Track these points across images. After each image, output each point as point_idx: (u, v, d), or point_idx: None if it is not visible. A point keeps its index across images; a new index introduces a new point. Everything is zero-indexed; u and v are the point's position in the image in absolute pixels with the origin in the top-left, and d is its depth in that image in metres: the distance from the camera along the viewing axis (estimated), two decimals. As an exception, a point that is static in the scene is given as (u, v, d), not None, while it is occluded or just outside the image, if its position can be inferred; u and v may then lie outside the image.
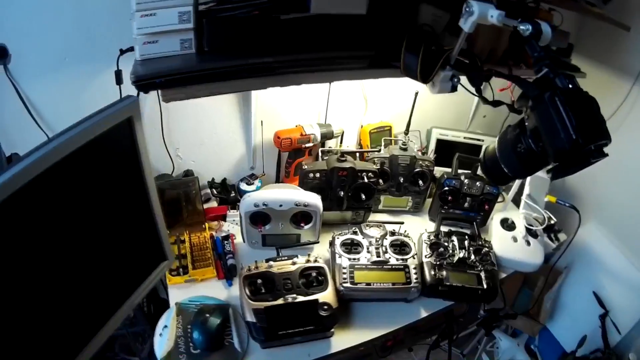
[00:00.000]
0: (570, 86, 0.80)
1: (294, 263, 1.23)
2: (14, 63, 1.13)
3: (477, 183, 1.55)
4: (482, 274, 1.35)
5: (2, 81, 1.13)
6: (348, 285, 1.23)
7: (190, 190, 1.37)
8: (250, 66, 0.89)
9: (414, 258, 1.33)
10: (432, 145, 1.78)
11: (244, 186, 1.52)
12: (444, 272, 1.33)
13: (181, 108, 1.34)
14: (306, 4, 0.89)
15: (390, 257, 1.31)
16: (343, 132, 1.64)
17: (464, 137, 1.77)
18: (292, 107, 1.54)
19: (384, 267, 1.29)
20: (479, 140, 1.78)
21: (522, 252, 1.48)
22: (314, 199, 1.32)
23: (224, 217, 1.47)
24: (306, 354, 1.16)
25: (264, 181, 1.60)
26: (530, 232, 1.51)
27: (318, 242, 1.39)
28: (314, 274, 1.22)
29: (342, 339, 1.20)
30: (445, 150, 1.76)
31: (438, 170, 1.72)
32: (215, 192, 1.50)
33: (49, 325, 0.78)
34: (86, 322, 0.88)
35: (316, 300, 1.16)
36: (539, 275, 1.97)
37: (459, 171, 1.58)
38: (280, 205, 1.29)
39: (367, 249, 1.33)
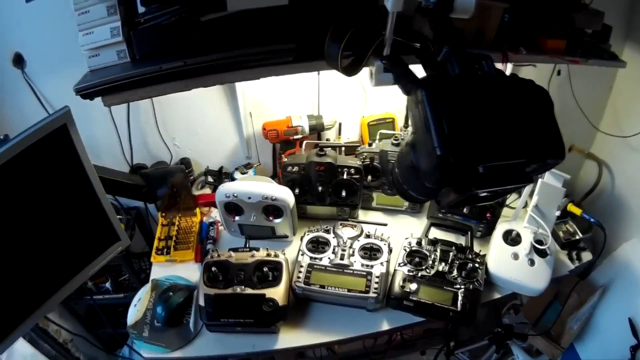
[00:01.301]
0: (479, 73, 0.54)
1: (252, 255, 1.17)
2: (29, 67, 1.22)
3: (478, 188, 1.27)
4: (461, 293, 1.11)
5: (21, 83, 1.23)
6: (301, 285, 1.12)
7: (181, 177, 1.38)
8: (163, 71, 0.85)
9: (382, 265, 1.15)
10: (443, 141, 1.51)
11: (237, 175, 1.48)
12: (415, 285, 1.13)
13: (172, 101, 1.34)
14: (222, 2, 0.79)
15: (355, 262, 1.16)
16: (340, 124, 1.48)
17: (480, 133, 1.46)
18: (284, 99, 1.43)
19: (345, 271, 1.14)
20: (497, 137, 1.45)
21: (522, 272, 1.18)
22: (283, 194, 1.22)
23: (215, 204, 1.46)
24: (251, 345, 1.11)
25: (260, 171, 1.54)
26: (537, 249, 1.19)
27: (287, 237, 1.29)
28: (268, 269, 1.14)
29: (290, 337, 1.12)
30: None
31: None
32: (211, 179, 1.49)
33: (11, 287, 0.90)
34: (44, 287, 0.98)
35: (263, 295, 1.09)
36: (572, 291, 1.59)
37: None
38: (249, 198, 1.22)
39: (334, 249, 1.19)
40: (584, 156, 1.65)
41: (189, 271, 1.29)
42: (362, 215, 1.43)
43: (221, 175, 1.51)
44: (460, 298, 1.10)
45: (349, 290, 1.10)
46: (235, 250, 1.19)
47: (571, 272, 1.28)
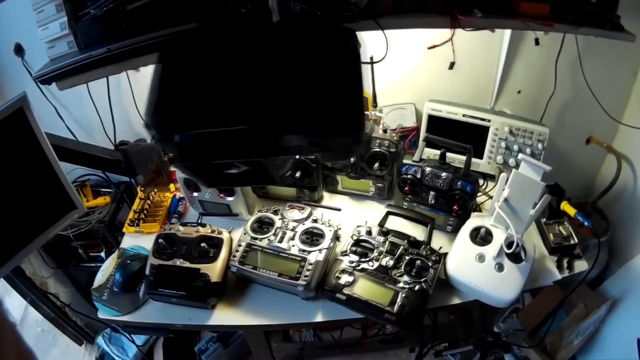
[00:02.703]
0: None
1: (197, 231, 1.09)
2: (28, 55, 1.25)
3: (443, 174, 1.02)
4: (402, 293, 0.91)
5: (21, 70, 1.26)
6: (236, 264, 1.01)
7: (156, 153, 1.35)
8: (94, 58, 0.87)
9: (320, 252, 0.99)
10: (424, 123, 1.26)
11: (213, 153, 1.41)
12: (350, 278, 0.95)
13: (147, 80, 1.30)
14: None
15: (293, 246, 1.01)
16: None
17: (463, 115, 1.18)
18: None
19: (281, 254, 1.01)
20: (483, 119, 1.16)
21: (485, 278, 0.92)
22: (233, 172, 1.12)
23: (190, 180, 1.41)
24: (187, 318, 1.04)
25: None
26: (508, 254, 0.92)
27: (237, 215, 1.19)
28: (208, 245, 1.06)
29: (224, 315, 1.03)
30: (440, 129, 1.21)
31: (427, 153, 1.23)
32: (190, 156, 1.44)
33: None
34: (6, 247, 1.00)
35: (197, 270, 1.01)
36: (580, 301, 1.25)
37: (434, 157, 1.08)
38: (202, 175, 1.14)
39: (275, 231, 1.06)
40: (605, 149, 1.27)
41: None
42: (327, 198, 1.27)
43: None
44: (399, 298, 0.90)
45: (279, 275, 0.97)
46: (184, 224, 1.12)
47: (556, 283, 0.98)
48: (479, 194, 1.21)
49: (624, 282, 1.12)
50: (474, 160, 1.21)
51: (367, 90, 1.19)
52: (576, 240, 1.00)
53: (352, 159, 1.15)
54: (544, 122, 1.25)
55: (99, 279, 1.19)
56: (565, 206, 0.98)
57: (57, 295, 1.50)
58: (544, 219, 1.08)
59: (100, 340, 1.59)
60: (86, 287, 1.61)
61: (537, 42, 0.91)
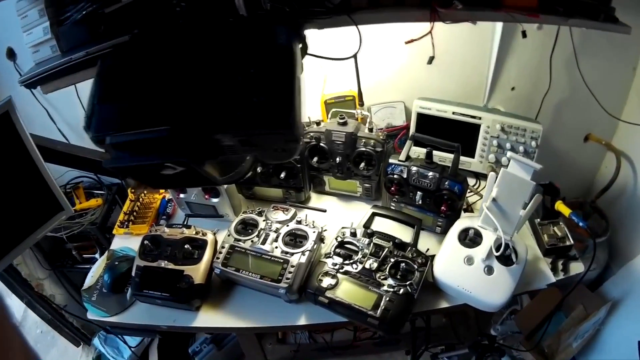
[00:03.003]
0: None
1: (182, 232, 1.07)
2: (20, 59, 1.25)
3: (429, 174, 0.97)
4: (386, 297, 0.87)
5: (13, 74, 1.24)
6: (219, 266, 0.99)
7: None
8: (73, 61, 0.85)
9: (303, 254, 0.96)
10: (413, 122, 1.21)
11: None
12: (333, 280, 0.91)
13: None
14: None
15: (276, 248, 0.98)
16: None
17: (453, 113, 1.13)
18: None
19: (263, 256, 0.98)
20: (473, 117, 1.11)
21: (474, 281, 0.88)
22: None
23: (181, 181, 1.39)
24: (172, 319, 1.02)
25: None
26: (498, 256, 0.87)
27: (223, 217, 1.16)
28: (192, 247, 1.03)
29: (209, 317, 1.00)
30: (429, 128, 1.17)
31: (416, 152, 1.19)
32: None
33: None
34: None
35: (181, 272, 0.99)
36: (579, 303, 1.19)
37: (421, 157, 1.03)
38: (187, 176, 1.12)
39: (259, 232, 1.03)
40: (604, 147, 1.21)
41: (142, 243, 1.25)
42: (315, 199, 1.23)
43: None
44: (383, 302, 0.86)
45: (261, 277, 0.94)
46: (170, 226, 1.10)
47: (554, 285, 0.93)
48: (471, 193, 1.17)
49: (624, 283, 1.06)
50: (465, 159, 1.17)
51: (353, 89, 1.15)
52: (572, 241, 0.94)
53: (337, 159, 1.11)
54: (540, 119, 1.19)
55: (89, 280, 1.19)
56: (560, 206, 0.93)
57: (53, 297, 1.50)
58: (538, 220, 1.03)
59: (96, 341, 1.59)
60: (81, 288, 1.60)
61: (524, 34, 0.87)
